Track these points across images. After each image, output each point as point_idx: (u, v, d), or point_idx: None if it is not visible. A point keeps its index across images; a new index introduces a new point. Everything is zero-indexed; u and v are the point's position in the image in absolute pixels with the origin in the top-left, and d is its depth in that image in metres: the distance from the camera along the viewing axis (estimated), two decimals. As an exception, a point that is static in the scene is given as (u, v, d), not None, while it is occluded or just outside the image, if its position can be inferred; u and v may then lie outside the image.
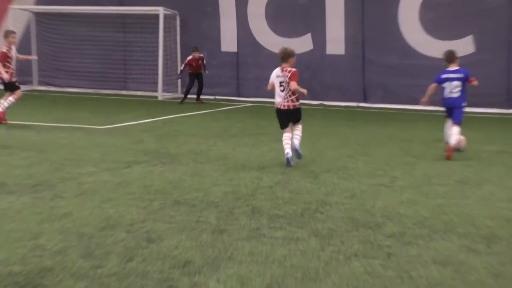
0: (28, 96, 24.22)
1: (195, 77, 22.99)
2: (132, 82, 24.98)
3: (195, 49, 23.14)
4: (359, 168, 11.96)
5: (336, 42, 22.53)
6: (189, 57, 22.92)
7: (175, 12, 23.94)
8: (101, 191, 9.93)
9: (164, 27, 23.55)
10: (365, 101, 22.17)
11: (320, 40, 22.67)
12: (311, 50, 22.75)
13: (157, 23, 23.45)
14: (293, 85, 12.34)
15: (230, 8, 23.59)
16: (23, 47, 25.53)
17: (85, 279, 6.34)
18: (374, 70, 22.06)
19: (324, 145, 14.59)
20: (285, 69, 12.56)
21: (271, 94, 23.10)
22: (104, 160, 12.35)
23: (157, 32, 23.48)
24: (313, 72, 22.74)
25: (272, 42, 23.13)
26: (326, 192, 10.06)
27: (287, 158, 12.08)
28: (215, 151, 13.39)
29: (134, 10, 24.07)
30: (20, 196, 9.51)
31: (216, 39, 24.06)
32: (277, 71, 12.74)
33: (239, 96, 23.95)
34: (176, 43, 24.31)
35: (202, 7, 23.83)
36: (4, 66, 16.95)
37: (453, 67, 13.76)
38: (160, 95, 23.74)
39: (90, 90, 25.10)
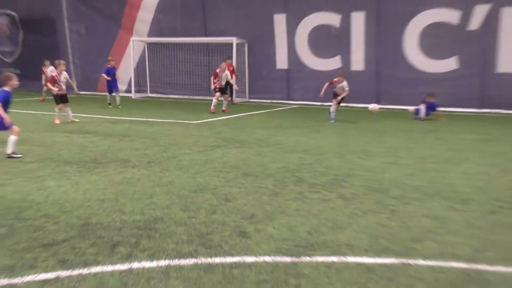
0: (144, 101, 24.65)
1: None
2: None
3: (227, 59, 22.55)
4: (374, 151, 11.99)
5: (358, 62, 22.41)
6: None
7: (244, 40, 24.06)
8: (194, 166, 10.16)
9: (237, 51, 23.70)
10: (377, 102, 22.05)
11: (346, 60, 22.56)
12: (340, 68, 22.67)
13: (232, 48, 23.61)
14: None
15: (283, 38, 23.62)
16: (140, 68, 26.04)
17: (184, 225, 6.58)
18: (387, 81, 21.86)
19: (348, 135, 14.60)
20: None
21: (313, 98, 23.20)
22: (195, 145, 12.59)
23: (232, 55, 23.65)
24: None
25: (313, 61, 23.16)
26: (350, 167, 10.14)
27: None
28: (272, 139, 13.52)
29: (216, 40, 24.25)
30: (140, 169, 9.81)
31: (273, 60, 24.11)
32: None
33: (289, 100, 23.99)
34: (244, 63, 24.45)
35: (263, 38, 23.91)
36: None
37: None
38: (234, 99, 23.92)
39: (185, 97, 25.39)
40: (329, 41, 22.76)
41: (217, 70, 20.20)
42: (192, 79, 24.63)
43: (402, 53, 21.47)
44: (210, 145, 12.59)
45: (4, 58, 29.34)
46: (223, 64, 20.11)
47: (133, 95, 25.94)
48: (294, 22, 23.32)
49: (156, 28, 25.83)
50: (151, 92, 26.36)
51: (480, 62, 20.30)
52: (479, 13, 20.07)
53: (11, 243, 5.96)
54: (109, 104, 21.03)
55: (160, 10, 25.73)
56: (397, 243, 6.00)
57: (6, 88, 10.57)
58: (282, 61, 24.01)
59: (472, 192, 8.21)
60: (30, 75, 28.28)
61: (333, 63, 22.85)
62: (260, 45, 24.11)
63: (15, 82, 10.73)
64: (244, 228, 6.48)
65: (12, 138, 10.51)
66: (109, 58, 22.15)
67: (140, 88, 26.37)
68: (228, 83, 21.56)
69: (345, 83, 17.57)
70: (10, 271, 5.21)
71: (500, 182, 8.96)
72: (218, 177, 9.18)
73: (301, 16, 23.11)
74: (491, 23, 19.95)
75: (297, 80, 23.89)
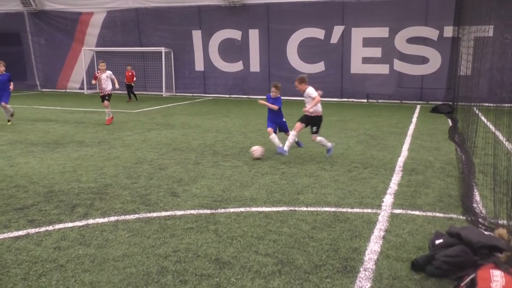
0: (94, 96, 23.45)
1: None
2: (150, 86, 24.30)
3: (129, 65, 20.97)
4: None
5: (255, 65, 22.44)
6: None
7: (170, 50, 23.41)
8: (134, 144, 9.78)
9: (165, 58, 23.05)
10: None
11: (246, 64, 22.52)
12: (242, 69, 22.61)
13: (161, 56, 22.96)
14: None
15: (199, 48, 23.18)
16: (91, 71, 24.70)
17: (128, 189, 6.31)
18: (275, 79, 22.04)
19: (249, 119, 14.59)
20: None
21: (222, 92, 23.05)
22: (135, 128, 12.12)
23: (161, 60, 22.99)
24: (242, 81, 22.68)
25: (222, 65, 22.92)
26: (250, 142, 10.11)
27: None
28: (193, 122, 13.25)
29: (149, 49, 23.44)
30: (92, 148, 9.32)
31: (193, 64, 23.62)
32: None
33: (205, 93, 23.65)
34: (171, 66, 23.75)
35: (184, 47, 23.33)
36: None
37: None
38: (164, 93, 23.26)
39: (126, 92, 24.35)
40: (234, 50, 22.57)
41: (97, 73, 13.16)
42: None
43: (286, 59, 21.68)
44: (147, 128, 12.15)
45: (-22, 63, 26.92)
46: (102, 65, 13.04)
47: (85, 91, 24.63)
48: (207, 36, 22.92)
49: (102, 40, 24.54)
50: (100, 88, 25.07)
51: (339, 65, 20.91)
52: (337, 31, 20.63)
53: (-12, 209, 5.47)
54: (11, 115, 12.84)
55: (104, 26, 24.43)
56: (286, 195, 6.05)
57: None
58: (199, 65, 23.58)
59: (336, 157, 8.44)
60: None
61: (237, 66, 22.74)
62: (183, 53, 23.54)
63: None
64: (175, 189, 6.30)
65: None
66: None
67: (91, 85, 25.02)
68: (129, 86, 20.41)
69: (309, 90, 8.28)
70: (-12, 231, 4.78)
71: (355, 150, 9.28)
72: (153, 152, 8.89)
73: (212, 32, 22.74)
74: (345, 38, 20.56)
75: (210, 78, 23.57)
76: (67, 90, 25.57)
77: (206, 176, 7.01)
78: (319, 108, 8.24)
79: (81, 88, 25.09)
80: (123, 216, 5.25)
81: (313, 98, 8.10)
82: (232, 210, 5.46)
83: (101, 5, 24.23)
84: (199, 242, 4.49)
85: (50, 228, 4.87)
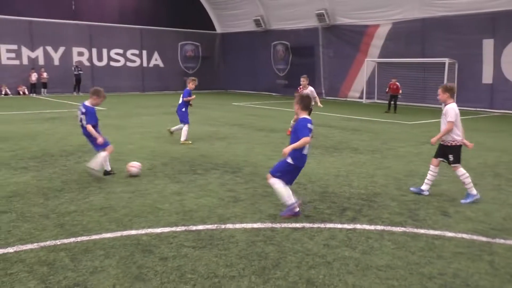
0: (370, 105, 23.97)
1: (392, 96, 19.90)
2: (429, 98, 23.35)
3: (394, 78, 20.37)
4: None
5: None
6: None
7: (455, 60, 21.97)
8: (407, 156, 9.51)
9: (448, 69, 21.78)
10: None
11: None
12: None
13: (444, 67, 21.80)
14: None
15: (490, 58, 21.01)
16: (371, 81, 25.47)
17: (397, 201, 6.22)
18: None
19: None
20: None
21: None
22: (409, 139, 11.79)
23: (444, 72, 21.82)
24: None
25: (516, 78, 20.22)
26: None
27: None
28: (473, 139, 12.00)
29: (431, 60, 22.58)
30: (365, 155, 9.54)
31: (479, 76, 21.59)
32: None
33: (491, 108, 21.21)
34: (454, 79, 22.22)
35: (471, 58, 21.48)
36: None
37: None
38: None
39: (403, 103, 24.06)
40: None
41: (299, 88, 12.52)
42: (408, 89, 22.92)
43: None
44: (421, 140, 11.72)
45: (279, 73, 31.36)
46: (304, 80, 12.30)
47: (364, 100, 25.62)
48: (501, 46, 20.57)
49: (384, 52, 25.02)
50: (378, 98, 25.58)
51: None
52: None
53: (274, 199, 6.30)
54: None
55: (388, 38, 24.87)
56: None
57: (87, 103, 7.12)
58: (487, 77, 21.40)
59: None
60: (296, 85, 29.83)
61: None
62: (469, 64, 21.77)
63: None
64: (446, 208, 5.91)
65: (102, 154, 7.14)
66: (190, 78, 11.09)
67: (369, 95, 25.85)
68: (393, 97, 19.79)
69: None
70: (273, 218, 5.51)
71: None
72: (426, 166, 8.43)
73: (507, 40, 20.29)
74: None
75: (500, 92, 21.08)
76: (347, 99, 27.12)
77: (484, 200, 6.31)
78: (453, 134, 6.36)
79: (360, 97, 26.19)
80: (389, 227, 5.23)
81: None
82: (513, 243, 4.75)
83: (388, 17, 24.70)
84: (470, 271, 4.08)
85: (322, 225, 5.27)
